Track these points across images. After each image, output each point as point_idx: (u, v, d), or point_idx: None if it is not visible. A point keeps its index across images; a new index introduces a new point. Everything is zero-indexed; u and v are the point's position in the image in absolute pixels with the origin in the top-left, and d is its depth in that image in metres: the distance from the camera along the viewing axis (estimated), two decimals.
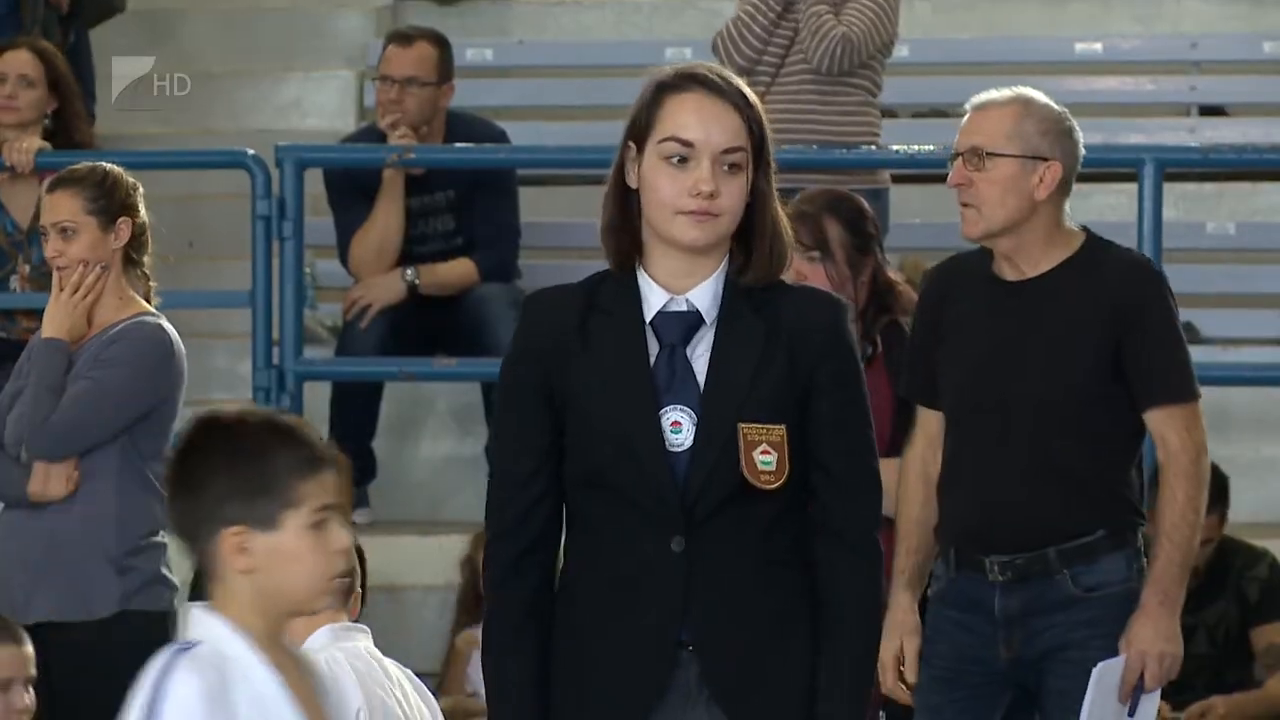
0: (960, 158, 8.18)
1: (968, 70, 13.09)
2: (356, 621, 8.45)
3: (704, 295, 6.19)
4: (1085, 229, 8.44)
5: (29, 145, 11.30)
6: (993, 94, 8.34)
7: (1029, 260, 8.27)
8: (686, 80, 6.15)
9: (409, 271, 11.61)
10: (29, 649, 8.46)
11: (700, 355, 6.19)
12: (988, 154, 8.14)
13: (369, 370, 11.66)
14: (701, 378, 6.19)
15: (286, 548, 5.28)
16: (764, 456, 6.14)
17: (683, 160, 6.08)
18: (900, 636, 8.34)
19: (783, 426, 6.14)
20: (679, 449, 6.19)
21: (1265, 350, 11.30)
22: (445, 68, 11.79)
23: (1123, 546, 8.30)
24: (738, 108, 6.11)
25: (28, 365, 9.29)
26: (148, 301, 9.19)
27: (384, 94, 11.80)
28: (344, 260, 11.85)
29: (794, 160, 10.53)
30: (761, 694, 6.32)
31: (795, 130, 11.05)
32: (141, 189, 9.23)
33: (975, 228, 8.22)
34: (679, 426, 6.20)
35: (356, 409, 11.60)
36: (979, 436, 8.25)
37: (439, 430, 11.26)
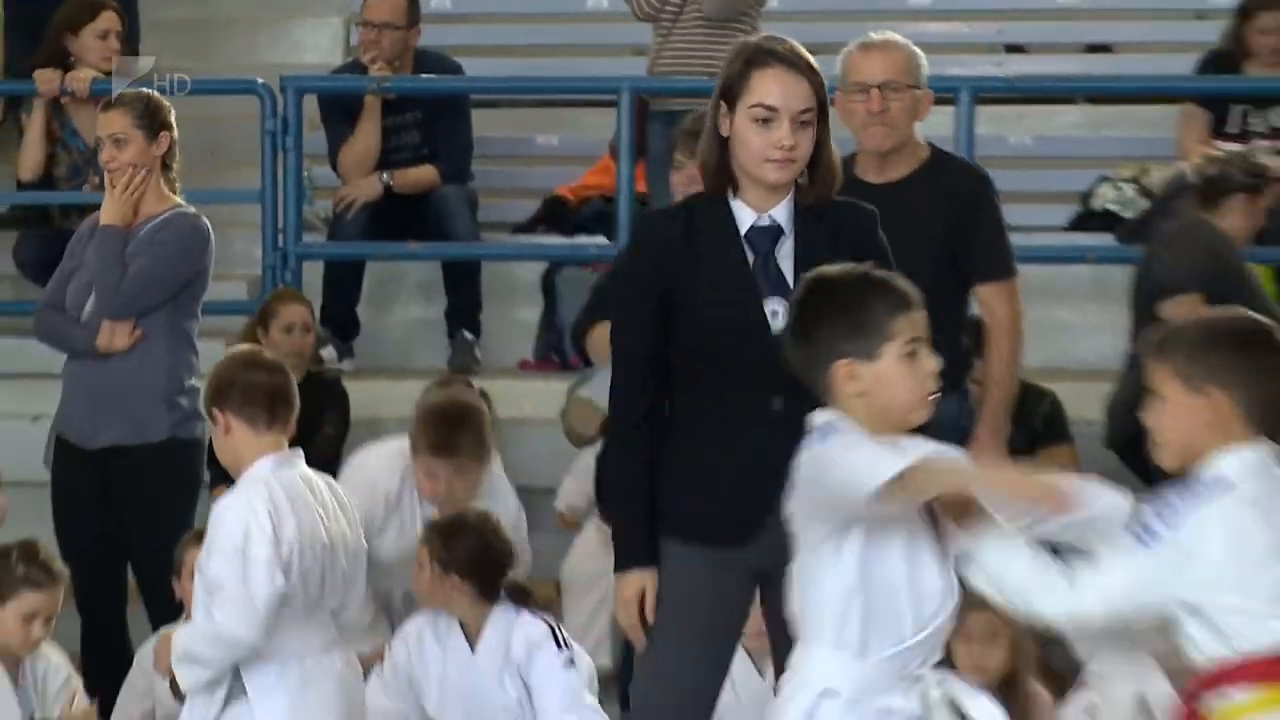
0: (876, 89, 8.23)
1: (826, 18, 13.02)
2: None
3: (782, 213, 6.47)
4: (930, 143, 8.57)
5: (85, 74, 11.36)
6: (882, 38, 8.43)
7: (896, 167, 8.37)
8: (768, 56, 6.44)
9: (385, 175, 11.63)
10: (62, 591, 8.43)
11: (785, 257, 6.46)
12: (898, 86, 8.26)
13: (354, 252, 11.70)
14: (790, 276, 6.42)
15: (887, 373, 5.59)
16: None
17: (767, 121, 6.36)
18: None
19: None
20: (777, 330, 6.31)
21: (1054, 236, 11.42)
22: (414, 14, 11.78)
23: (956, 389, 8.38)
24: (808, 77, 6.41)
25: (79, 246, 9.34)
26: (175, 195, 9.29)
27: (365, 36, 11.82)
28: (334, 166, 11.81)
29: (692, 88, 10.75)
30: None
31: (692, 64, 11.14)
32: (174, 111, 9.36)
33: (888, 141, 8.32)
34: (776, 314, 6.40)
35: (344, 282, 11.61)
36: None
37: (409, 299, 11.35)
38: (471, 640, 8.23)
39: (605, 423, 8.94)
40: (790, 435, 5.92)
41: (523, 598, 8.27)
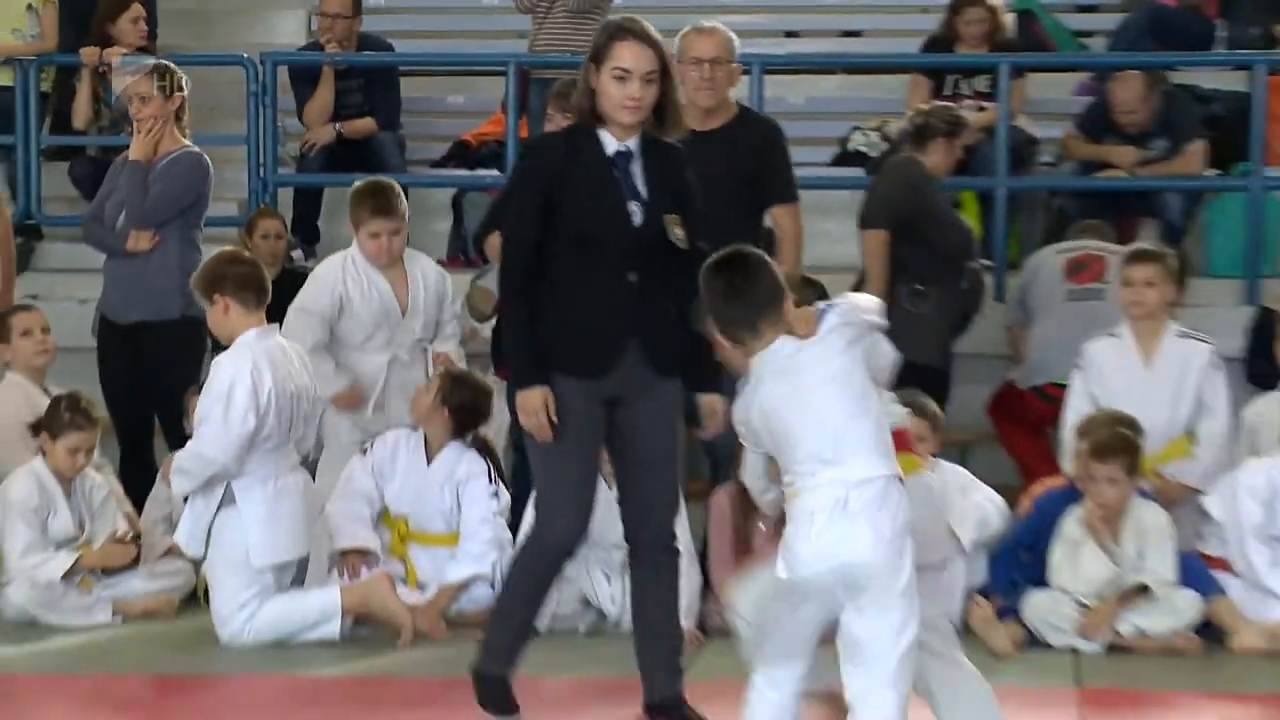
0: (705, 64, 8.28)
1: (660, 10, 12.90)
2: None
3: (634, 143, 6.48)
4: (738, 102, 8.61)
5: (116, 51, 11.23)
6: (710, 25, 8.50)
7: (715, 119, 8.38)
8: (625, 31, 6.44)
9: (337, 125, 11.50)
10: (99, 431, 8.44)
11: (637, 175, 6.48)
12: (721, 61, 8.32)
13: (315, 180, 11.56)
14: (641, 188, 6.47)
15: None
16: (677, 230, 6.47)
17: (622, 79, 6.38)
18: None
19: (679, 215, 6.50)
20: (636, 224, 6.45)
21: (821, 170, 11.36)
22: (358, 6, 11.63)
23: None
24: (653, 48, 6.41)
25: (114, 175, 9.31)
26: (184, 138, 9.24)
27: (322, 23, 11.71)
28: (300, 118, 11.65)
29: (561, 62, 10.68)
30: (670, 356, 6.51)
31: (560, 45, 11.00)
32: (185, 77, 9.30)
33: (713, 100, 8.36)
34: (634, 213, 6.46)
35: (308, 203, 11.52)
36: None
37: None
38: (430, 456, 8.31)
39: (498, 304, 8.98)
40: (641, 300, 6.39)
41: (480, 444, 8.36)
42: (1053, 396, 9.01)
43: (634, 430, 6.49)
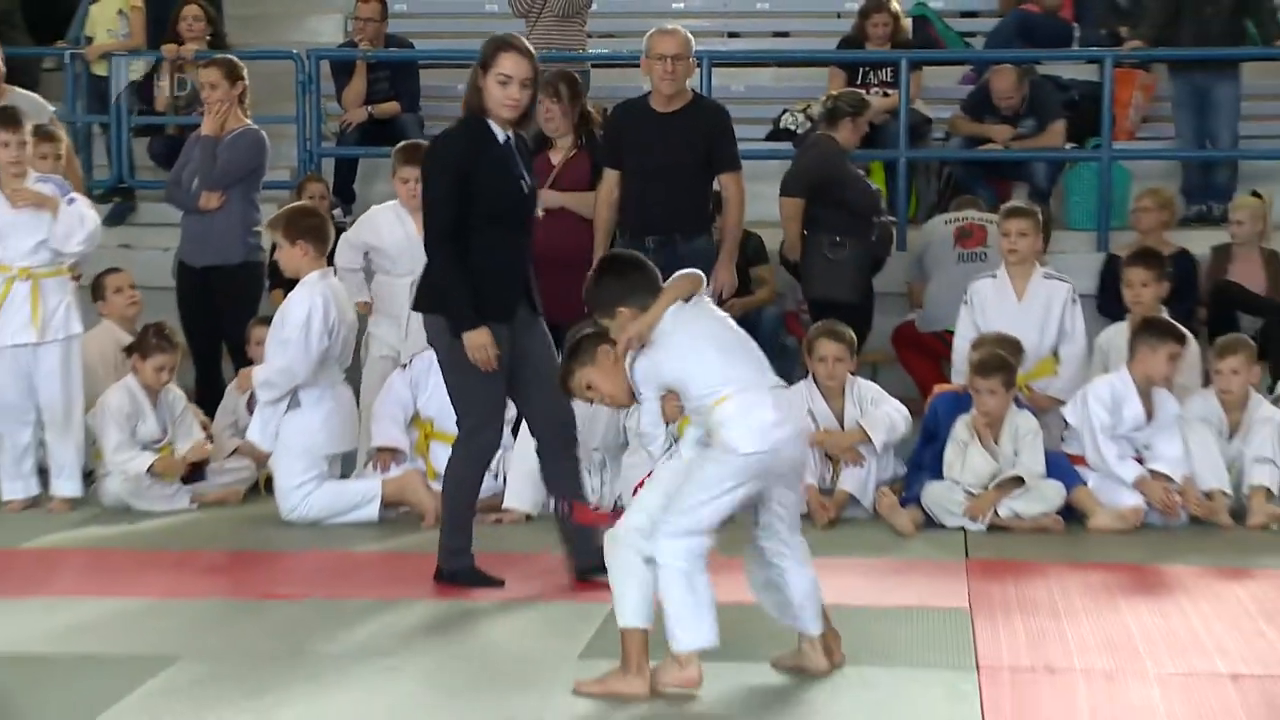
0: (669, 59, 8.18)
1: (627, 15, 12.93)
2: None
3: (510, 135, 6.44)
4: (692, 90, 8.51)
5: (188, 48, 11.12)
6: (673, 27, 8.44)
7: (674, 103, 8.30)
8: (508, 45, 6.41)
9: (369, 108, 11.32)
10: (179, 354, 8.35)
11: (517, 160, 6.49)
12: (681, 57, 8.24)
13: (351, 152, 11.34)
14: (523, 170, 6.49)
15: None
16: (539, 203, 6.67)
17: (504, 83, 6.35)
18: None
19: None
20: (526, 197, 6.53)
21: (758, 144, 11.15)
22: (385, 12, 11.48)
23: (705, 231, 8.37)
24: (529, 59, 6.39)
25: (189, 148, 9.14)
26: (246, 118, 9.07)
27: (356, 25, 11.52)
28: (339, 102, 11.48)
29: (549, 58, 10.32)
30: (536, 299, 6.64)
31: (549, 44, 10.75)
32: (245, 68, 9.13)
33: (673, 89, 8.28)
34: (526, 186, 6.51)
35: (345, 171, 11.32)
36: (647, 183, 8.29)
37: (383, 181, 10.96)
38: None
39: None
40: (525, 258, 6.58)
41: None
42: (946, 340, 8.96)
43: (526, 356, 6.54)
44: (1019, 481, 7.74)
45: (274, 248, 8.02)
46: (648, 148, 8.27)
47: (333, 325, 7.76)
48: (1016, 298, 8.46)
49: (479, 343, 6.35)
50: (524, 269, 6.58)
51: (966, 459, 7.81)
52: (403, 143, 9.03)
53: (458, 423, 6.62)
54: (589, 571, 6.34)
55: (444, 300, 6.45)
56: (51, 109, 9.76)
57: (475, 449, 6.56)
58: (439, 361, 6.67)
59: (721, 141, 8.37)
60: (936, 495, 7.77)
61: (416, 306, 6.68)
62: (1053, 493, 7.76)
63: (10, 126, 7.97)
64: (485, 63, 6.40)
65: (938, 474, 7.89)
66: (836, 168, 9.17)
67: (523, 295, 6.57)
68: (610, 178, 8.43)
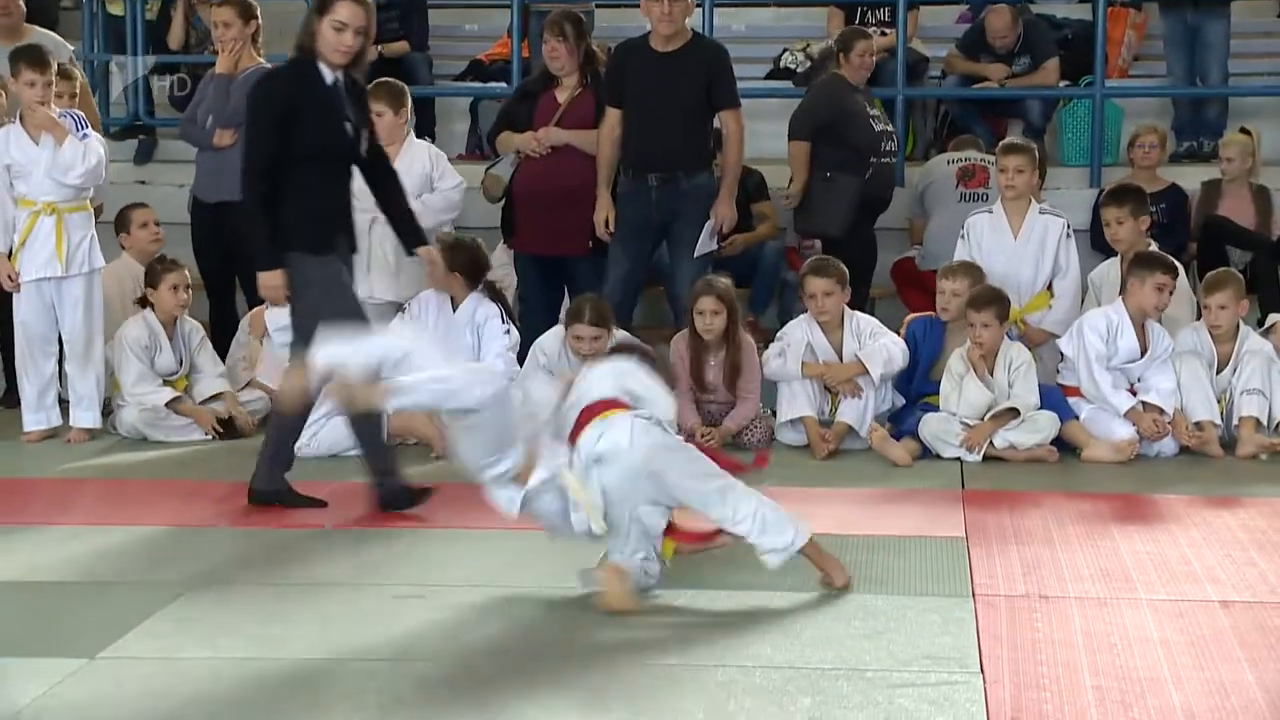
0: (665, 1, 8.09)
1: None
2: None
3: (339, 74, 6.44)
4: (692, 29, 8.39)
5: None
6: None
7: (674, 43, 8.21)
8: None
9: (378, 47, 10.82)
10: (187, 274, 8.27)
11: (342, 97, 6.48)
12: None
13: None
14: (348, 109, 6.45)
15: None
16: (365, 143, 6.57)
17: (339, 30, 6.36)
18: (605, 211, 8.31)
19: (368, 131, 6.63)
20: (351, 138, 6.47)
21: (759, 82, 11.10)
22: None
23: (706, 169, 8.29)
24: (364, 7, 6.39)
25: (204, 87, 9.02)
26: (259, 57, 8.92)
27: None
28: None
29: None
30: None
31: None
32: (258, 8, 8.98)
33: (672, 29, 8.19)
34: (350, 128, 6.46)
35: None
36: (648, 121, 8.20)
37: None
38: (455, 306, 8.01)
39: (504, 188, 8.77)
40: (349, 196, 6.53)
41: (490, 290, 8.07)
42: None
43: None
44: (1014, 413, 7.66)
45: None
46: (648, 87, 8.17)
47: None
48: (1013, 233, 8.34)
49: (272, 283, 6.44)
50: (344, 207, 6.56)
51: (963, 391, 7.74)
52: (376, 81, 8.82)
53: (292, 345, 6.59)
54: (391, 504, 6.45)
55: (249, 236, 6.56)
56: (70, 48, 9.64)
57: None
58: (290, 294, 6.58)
59: (721, 80, 8.27)
60: (933, 427, 7.70)
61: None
62: (1047, 423, 7.69)
63: (38, 67, 7.91)
64: (321, 7, 6.40)
65: (922, 392, 7.88)
66: (839, 104, 9.04)
67: (342, 231, 6.55)
68: (612, 116, 8.33)
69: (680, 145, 8.18)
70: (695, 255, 8.25)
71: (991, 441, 7.64)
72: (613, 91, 8.36)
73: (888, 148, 9.16)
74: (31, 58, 7.94)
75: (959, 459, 7.62)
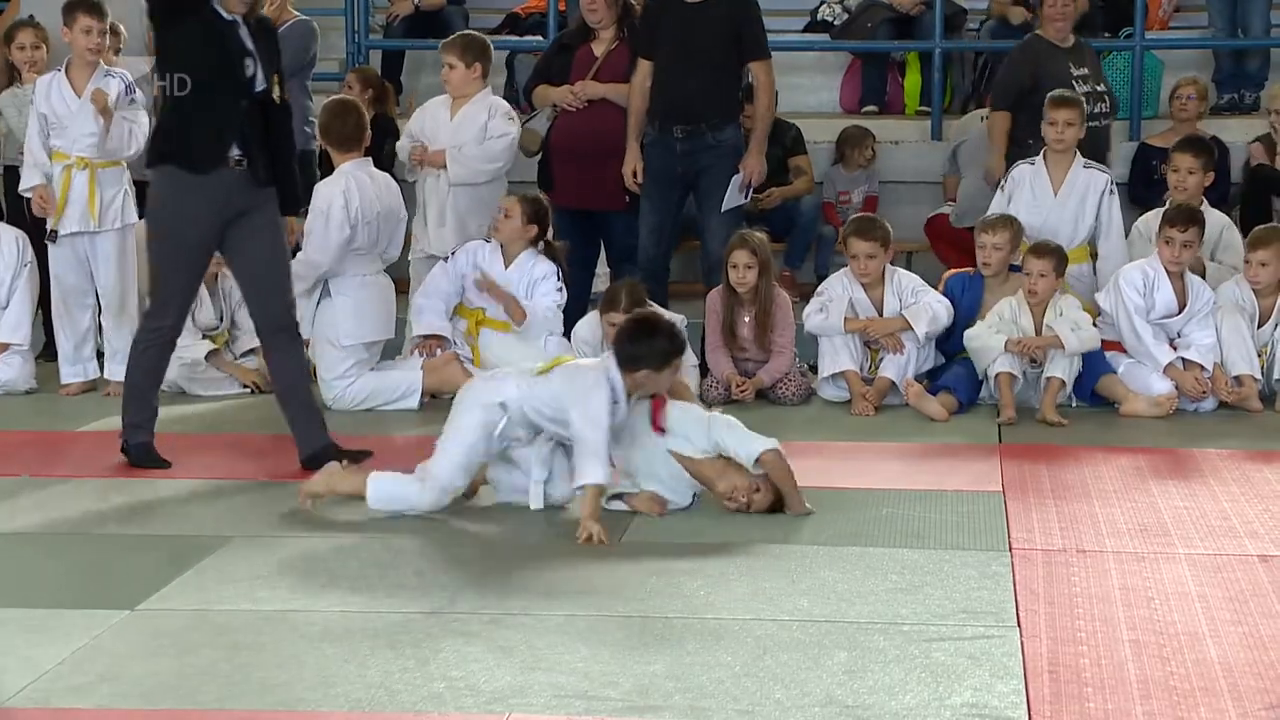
0: None
1: None
2: None
3: (237, 18, 6.33)
4: None
5: None
6: None
7: None
8: None
9: (415, 0, 11.19)
10: None
11: (246, 36, 6.35)
12: None
13: (399, 44, 11.21)
14: (249, 44, 6.33)
15: None
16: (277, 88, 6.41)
17: None
18: (633, 162, 8.29)
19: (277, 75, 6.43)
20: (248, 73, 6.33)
21: (796, 35, 11.02)
22: None
23: (734, 122, 8.25)
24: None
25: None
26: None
27: None
28: None
29: None
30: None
31: None
32: None
33: None
34: (250, 66, 6.35)
35: (392, 62, 11.20)
36: (675, 72, 8.19)
37: (432, 72, 10.82)
38: (506, 262, 7.96)
39: (540, 142, 8.76)
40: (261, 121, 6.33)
41: (549, 249, 8.01)
42: None
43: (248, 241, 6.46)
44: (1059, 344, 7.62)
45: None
46: (678, 38, 8.14)
47: (355, 216, 7.62)
48: (1053, 187, 8.24)
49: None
50: (254, 136, 6.35)
51: (1019, 324, 7.70)
52: (458, 34, 8.87)
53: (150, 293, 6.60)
54: (314, 458, 6.37)
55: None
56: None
57: (154, 334, 6.51)
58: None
59: (748, 31, 8.24)
60: (976, 336, 7.67)
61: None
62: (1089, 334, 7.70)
63: (95, 14, 7.91)
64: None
65: (960, 348, 7.85)
66: (1035, 67, 8.75)
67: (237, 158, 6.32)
68: (643, 67, 8.31)
69: (706, 97, 8.14)
70: (724, 209, 8.20)
71: (1033, 357, 7.62)
72: (645, 43, 8.33)
73: (1095, 109, 8.69)
74: (88, 6, 7.91)
75: (996, 416, 7.55)
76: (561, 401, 5.65)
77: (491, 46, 8.71)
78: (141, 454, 6.51)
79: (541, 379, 5.74)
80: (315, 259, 7.63)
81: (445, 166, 8.35)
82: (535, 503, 5.86)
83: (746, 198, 8.41)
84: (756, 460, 5.73)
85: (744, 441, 5.76)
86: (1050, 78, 8.59)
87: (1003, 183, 8.34)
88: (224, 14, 6.28)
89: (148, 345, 6.50)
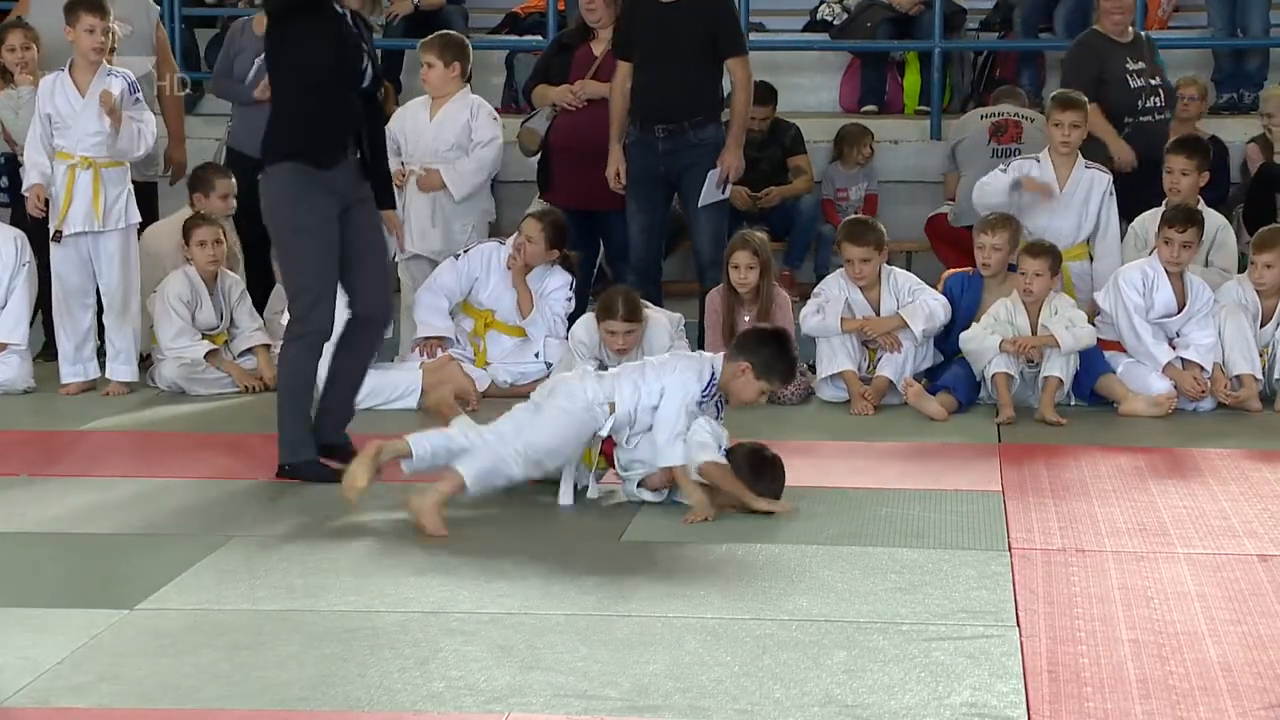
0: None
1: None
2: None
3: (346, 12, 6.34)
4: None
5: None
6: None
7: None
8: None
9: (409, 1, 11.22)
10: (219, 228, 8.21)
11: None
12: None
13: (398, 43, 11.10)
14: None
15: None
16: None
17: None
18: (615, 164, 8.26)
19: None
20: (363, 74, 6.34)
21: (794, 35, 11.04)
22: None
23: (715, 120, 8.23)
24: None
25: (237, 40, 8.99)
26: None
27: None
28: None
29: None
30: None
31: None
32: None
33: None
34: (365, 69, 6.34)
35: (392, 61, 11.06)
36: (654, 72, 8.15)
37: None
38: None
39: (539, 141, 8.75)
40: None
41: (566, 261, 8.08)
42: None
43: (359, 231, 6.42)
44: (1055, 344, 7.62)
45: None
46: (654, 38, 8.13)
47: None
48: (1057, 185, 8.23)
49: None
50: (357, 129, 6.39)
51: (1015, 324, 7.70)
52: (436, 33, 8.84)
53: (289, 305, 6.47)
54: (330, 450, 6.33)
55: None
56: (157, 7, 9.59)
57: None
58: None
59: (725, 28, 8.24)
60: (973, 338, 7.68)
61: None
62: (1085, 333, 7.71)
63: (98, 13, 7.90)
64: None
65: (959, 348, 7.84)
66: (1093, 65, 8.77)
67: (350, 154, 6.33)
68: (623, 69, 8.30)
69: (686, 96, 8.14)
70: (700, 204, 8.19)
71: (1029, 359, 7.63)
72: (622, 43, 8.31)
73: (1149, 104, 8.73)
74: (90, 4, 7.88)
75: (994, 416, 7.54)
76: (664, 383, 5.77)
77: (470, 46, 8.73)
78: (312, 471, 6.25)
79: (650, 371, 5.83)
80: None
81: (444, 186, 8.36)
82: (565, 499, 5.90)
83: (725, 193, 8.38)
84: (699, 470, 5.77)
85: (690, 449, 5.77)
86: (1110, 72, 8.66)
87: (1004, 165, 8.30)
88: (339, 9, 6.28)
89: (301, 353, 6.31)
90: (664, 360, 5.93)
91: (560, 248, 8.00)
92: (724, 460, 5.77)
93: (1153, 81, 8.81)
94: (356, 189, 6.35)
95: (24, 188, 8.08)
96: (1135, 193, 8.43)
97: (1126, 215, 8.34)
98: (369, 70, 6.35)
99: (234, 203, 8.25)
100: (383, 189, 6.50)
